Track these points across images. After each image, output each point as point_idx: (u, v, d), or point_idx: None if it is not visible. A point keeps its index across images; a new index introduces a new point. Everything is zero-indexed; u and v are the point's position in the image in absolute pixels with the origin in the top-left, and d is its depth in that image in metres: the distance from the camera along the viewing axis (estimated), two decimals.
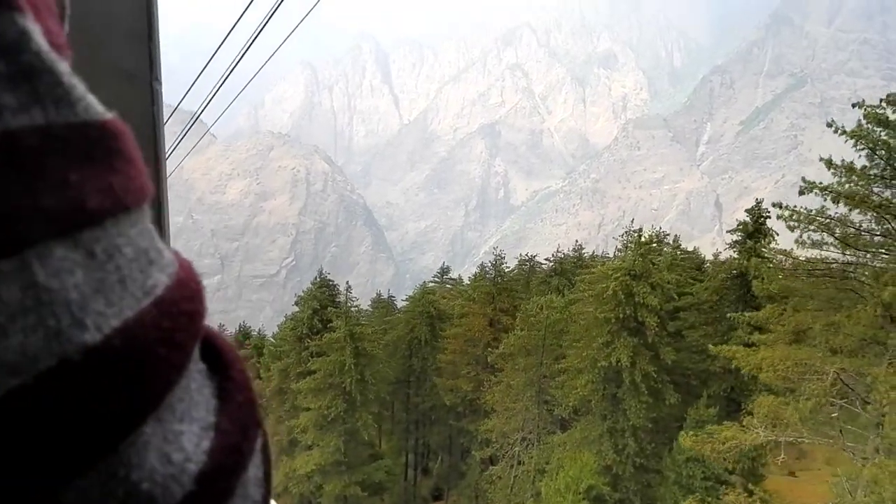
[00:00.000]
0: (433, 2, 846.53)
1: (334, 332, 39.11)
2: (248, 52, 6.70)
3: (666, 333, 31.89)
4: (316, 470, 37.85)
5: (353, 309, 43.79)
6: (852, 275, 14.42)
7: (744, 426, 15.81)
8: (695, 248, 60.64)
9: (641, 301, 29.34)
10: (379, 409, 43.96)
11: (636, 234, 31.28)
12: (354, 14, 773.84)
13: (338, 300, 45.30)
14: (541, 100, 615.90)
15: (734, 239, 33.64)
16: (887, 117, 13.93)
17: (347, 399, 38.14)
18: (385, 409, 48.77)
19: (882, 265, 13.83)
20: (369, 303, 73.90)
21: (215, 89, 6.73)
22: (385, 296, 75.69)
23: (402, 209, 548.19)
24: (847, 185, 14.08)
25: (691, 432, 17.16)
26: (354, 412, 38.00)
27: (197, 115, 7.14)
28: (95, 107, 0.41)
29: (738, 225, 33.25)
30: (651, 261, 30.99)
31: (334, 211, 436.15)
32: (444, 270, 75.08)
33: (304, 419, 38.42)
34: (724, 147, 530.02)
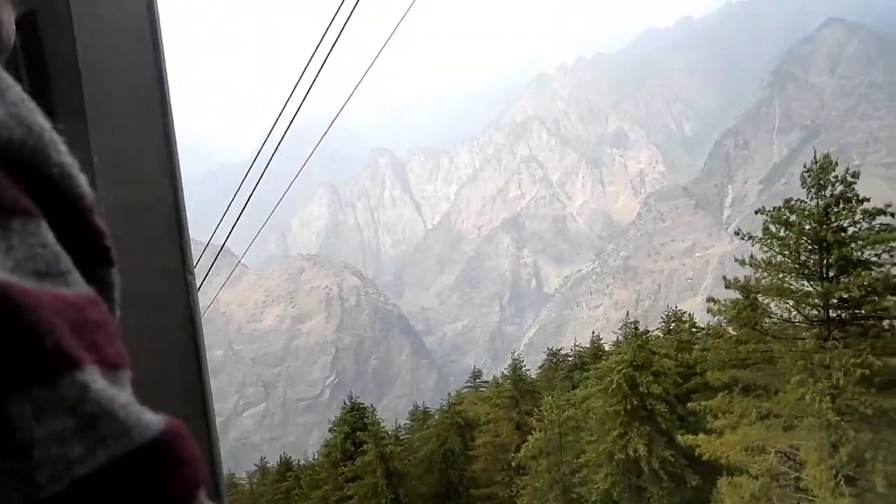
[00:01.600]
0: (442, 108, 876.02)
1: (365, 455, 40.57)
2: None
3: (677, 417, 32.90)
4: None
5: (384, 428, 45.32)
6: (779, 360, 16.08)
7: None
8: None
9: (646, 391, 30.72)
10: None
11: (633, 327, 32.98)
12: (367, 130, 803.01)
13: (367, 422, 46.65)
14: (559, 187, 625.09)
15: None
16: (787, 219, 15.94)
17: None
18: None
19: (800, 350, 15.52)
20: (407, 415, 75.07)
21: (237, 219, 7.24)
22: (428, 404, 76.49)
23: (438, 312, 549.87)
24: (766, 279, 15.97)
25: None
26: None
27: (221, 248, 7.78)
28: (148, 424, 0.44)
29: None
30: (651, 349, 32.53)
31: (370, 324, 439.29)
32: (476, 374, 76.04)
33: None
34: (749, 207, 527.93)
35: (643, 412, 31.11)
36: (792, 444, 15.25)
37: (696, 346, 42.30)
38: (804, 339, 15.67)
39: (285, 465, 58.54)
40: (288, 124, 6.80)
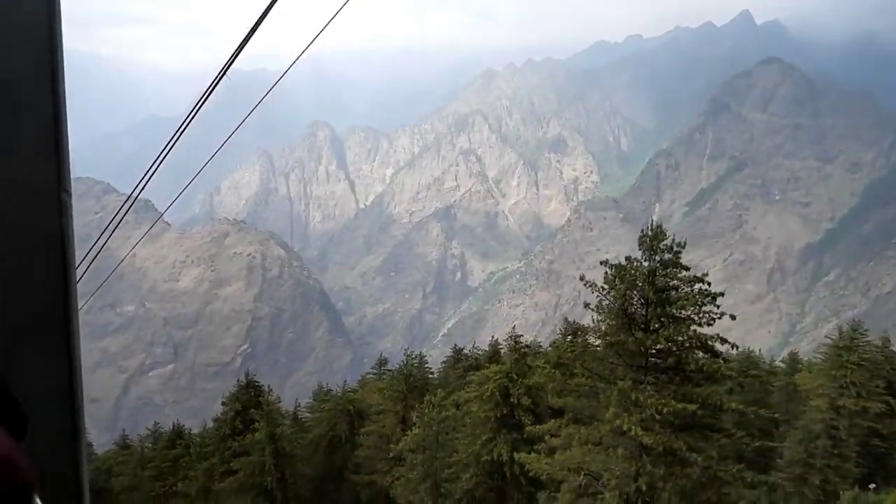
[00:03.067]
0: (386, 90, 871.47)
1: (256, 432, 41.97)
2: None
3: None
4: None
5: (280, 407, 46.73)
6: (601, 395, 18.59)
7: None
8: None
9: (517, 402, 33.26)
10: None
11: (514, 340, 35.48)
12: (308, 103, 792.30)
13: (261, 400, 47.88)
14: (494, 183, 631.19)
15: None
16: (624, 274, 18.39)
17: (269, 498, 40.84)
18: None
19: (619, 389, 18.01)
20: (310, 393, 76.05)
21: (153, 169, 6.57)
22: (340, 384, 77.36)
23: (360, 293, 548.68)
24: (605, 324, 18.43)
25: None
26: None
27: (135, 199, 7.41)
28: None
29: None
30: (527, 363, 35.12)
31: (290, 296, 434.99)
32: (382, 362, 77.66)
33: None
34: (673, 227, 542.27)
35: (512, 420, 33.63)
36: (603, 469, 17.72)
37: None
38: (623, 380, 18.15)
39: (176, 432, 59.16)
40: (216, 81, 6.23)
